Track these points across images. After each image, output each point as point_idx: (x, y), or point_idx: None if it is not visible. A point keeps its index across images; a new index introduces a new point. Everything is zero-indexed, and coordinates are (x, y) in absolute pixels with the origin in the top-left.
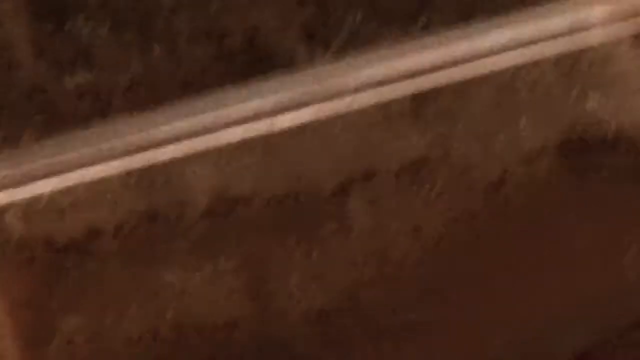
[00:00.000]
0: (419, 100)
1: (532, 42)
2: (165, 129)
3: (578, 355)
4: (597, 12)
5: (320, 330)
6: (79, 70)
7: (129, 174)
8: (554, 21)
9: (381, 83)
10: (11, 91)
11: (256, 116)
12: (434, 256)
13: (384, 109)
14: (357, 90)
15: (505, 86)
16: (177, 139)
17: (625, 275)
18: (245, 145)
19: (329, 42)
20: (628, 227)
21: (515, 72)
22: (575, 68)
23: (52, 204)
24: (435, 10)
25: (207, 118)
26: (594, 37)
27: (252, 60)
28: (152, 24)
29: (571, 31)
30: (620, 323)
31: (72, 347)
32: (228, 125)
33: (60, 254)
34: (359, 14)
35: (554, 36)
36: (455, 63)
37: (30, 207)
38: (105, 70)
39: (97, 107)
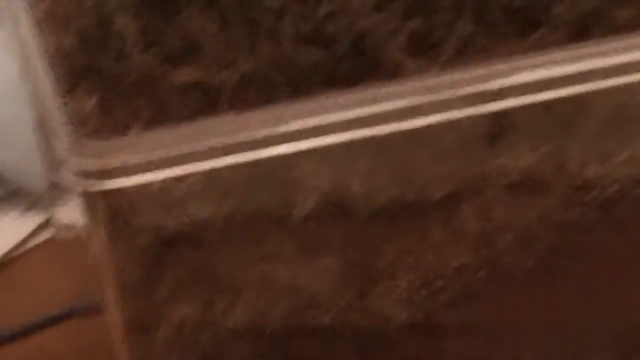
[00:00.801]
0: (532, 113)
1: None
2: (274, 128)
3: None
4: None
5: (423, 334)
6: (187, 65)
7: (238, 169)
8: None
9: (493, 96)
10: (121, 82)
11: (365, 121)
12: (545, 268)
13: (495, 121)
14: (467, 102)
15: (623, 104)
16: (285, 138)
17: None
18: (355, 149)
19: (435, 54)
20: None
21: (633, 91)
22: None
23: (162, 195)
24: (550, 27)
25: (316, 120)
26: None
27: (359, 67)
28: (260, 24)
29: None
30: None
31: (180, 335)
32: (338, 128)
33: (169, 244)
34: (467, 26)
35: None
36: (568, 80)
37: (140, 196)
38: (213, 66)
39: (205, 103)
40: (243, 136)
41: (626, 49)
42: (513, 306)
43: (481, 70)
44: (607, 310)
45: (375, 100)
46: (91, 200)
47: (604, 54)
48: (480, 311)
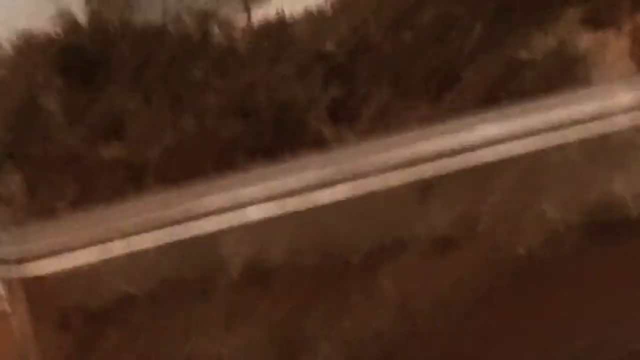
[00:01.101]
0: (447, 179)
1: (559, 126)
2: (198, 203)
3: None
4: (623, 99)
5: None
6: (111, 142)
7: (162, 245)
8: (580, 107)
9: (409, 163)
10: (46, 161)
11: (287, 193)
12: (460, 328)
13: (412, 188)
14: (385, 169)
15: (531, 168)
16: (210, 212)
17: None
18: (277, 220)
19: (355, 121)
20: None
21: (541, 155)
22: (600, 152)
23: (86, 275)
24: (461, 92)
25: (239, 193)
26: (620, 122)
27: (281, 137)
28: (183, 99)
29: (597, 117)
30: None
31: None
32: (260, 200)
33: (94, 321)
34: (384, 94)
35: (581, 121)
36: (481, 145)
37: (65, 275)
38: (137, 143)
39: (130, 180)
40: (167, 213)
41: (532, 113)
42: None
43: (397, 137)
44: None
45: (296, 171)
46: (12, 285)
47: (511, 118)
48: None
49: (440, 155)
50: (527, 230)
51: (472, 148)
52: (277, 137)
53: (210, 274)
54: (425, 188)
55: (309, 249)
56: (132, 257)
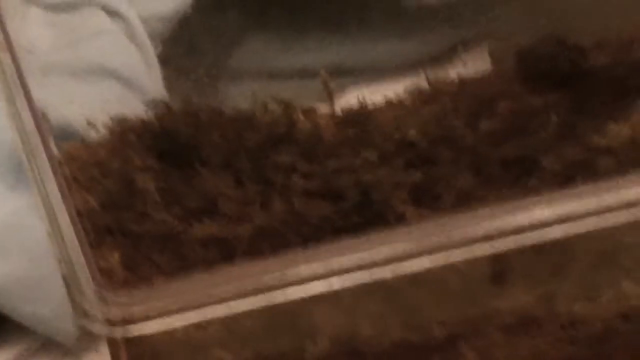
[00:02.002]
0: (525, 255)
1: (633, 205)
2: (289, 271)
3: None
4: None
5: None
6: (204, 221)
7: (254, 314)
8: None
9: (488, 237)
10: (142, 239)
11: (372, 265)
12: None
13: (492, 264)
14: (466, 243)
15: (607, 246)
16: (297, 283)
17: None
18: (363, 292)
19: (437, 204)
20: None
21: (616, 233)
22: None
23: (183, 342)
24: (540, 177)
25: (324, 265)
26: None
27: (365, 218)
28: (272, 182)
29: None
30: None
31: None
32: (346, 271)
33: None
34: (465, 179)
35: None
36: (558, 222)
37: (162, 343)
38: (228, 222)
39: (222, 255)
40: (257, 282)
41: (608, 193)
42: None
43: (478, 214)
44: None
45: (379, 245)
46: (115, 346)
47: (589, 198)
48: None
49: (518, 231)
50: (605, 306)
51: (549, 224)
52: (362, 218)
53: (300, 344)
54: (504, 263)
55: (395, 321)
56: (226, 326)
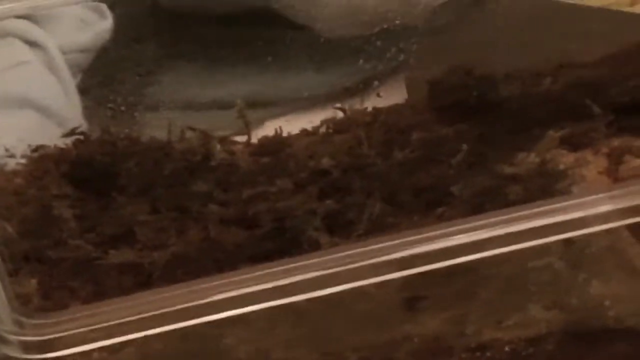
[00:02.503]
0: (436, 281)
1: (541, 234)
2: (203, 300)
3: None
4: (600, 210)
5: None
6: (121, 248)
7: (168, 339)
8: (561, 217)
9: (400, 266)
10: (59, 265)
11: (284, 291)
12: None
13: (404, 289)
14: (377, 270)
15: (515, 272)
16: (210, 309)
17: None
18: (276, 318)
19: (349, 231)
20: None
21: (524, 260)
22: (581, 257)
23: None
24: (451, 205)
25: (237, 292)
26: (599, 229)
27: (280, 245)
28: (188, 210)
29: (578, 225)
30: None
31: None
32: (259, 298)
33: None
34: (377, 207)
35: (561, 230)
36: (466, 249)
37: None
38: (145, 249)
39: (137, 281)
40: (171, 307)
41: (516, 221)
42: None
43: (388, 242)
44: None
45: (292, 272)
46: None
47: (497, 225)
48: None
49: (428, 257)
50: (512, 330)
51: (459, 250)
52: (277, 245)
53: None
54: (416, 290)
55: (308, 346)
56: (141, 351)
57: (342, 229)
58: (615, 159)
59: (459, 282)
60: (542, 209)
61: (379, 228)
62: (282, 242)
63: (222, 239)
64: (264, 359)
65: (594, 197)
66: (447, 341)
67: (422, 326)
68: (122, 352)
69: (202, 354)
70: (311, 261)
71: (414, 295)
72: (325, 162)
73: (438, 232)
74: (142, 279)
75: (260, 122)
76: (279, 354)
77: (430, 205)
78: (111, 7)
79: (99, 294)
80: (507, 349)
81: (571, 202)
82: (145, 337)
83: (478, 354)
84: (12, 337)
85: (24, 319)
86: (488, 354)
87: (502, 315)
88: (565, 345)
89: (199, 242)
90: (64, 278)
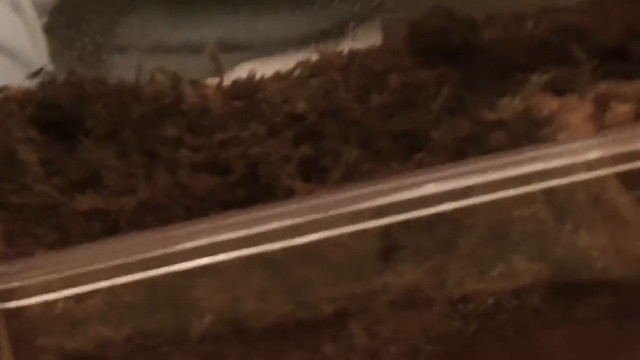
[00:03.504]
0: (416, 231)
1: (526, 182)
2: (172, 248)
3: None
4: (586, 157)
5: None
6: (87, 193)
7: (136, 289)
8: (546, 164)
9: (378, 214)
10: (24, 211)
11: (257, 240)
12: None
13: (380, 240)
14: (354, 220)
15: (499, 222)
16: (181, 258)
17: None
18: (248, 267)
19: (325, 178)
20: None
21: (508, 209)
22: (567, 207)
23: (64, 316)
24: (430, 151)
25: (208, 240)
26: (586, 178)
27: (253, 192)
28: (157, 155)
29: (564, 173)
30: None
31: None
32: (231, 246)
33: None
34: (354, 152)
35: (547, 177)
36: (446, 197)
37: (42, 318)
38: (112, 194)
39: (105, 228)
40: (140, 256)
41: (500, 168)
42: None
43: (366, 190)
44: None
45: (266, 220)
46: None
47: (480, 172)
48: None
49: (408, 208)
50: (496, 282)
51: (439, 199)
52: (250, 192)
53: (184, 321)
54: (394, 239)
55: (282, 297)
56: (107, 301)
57: (317, 175)
58: (601, 105)
59: (440, 232)
60: (526, 156)
61: (356, 175)
62: (255, 189)
63: (193, 185)
64: (236, 310)
65: (580, 144)
66: (427, 293)
67: (401, 277)
68: (88, 302)
69: (171, 304)
70: (285, 209)
71: (393, 245)
72: (300, 106)
73: (417, 180)
74: (110, 226)
75: (233, 65)
76: (252, 305)
77: (410, 151)
78: None
79: (65, 241)
80: (490, 301)
81: (557, 149)
82: (113, 286)
83: (460, 306)
84: None
85: None
86: (470, 306)
87: (485, 267)
88: (550, 298)
89: (169, 188)
90: (28, 224)
